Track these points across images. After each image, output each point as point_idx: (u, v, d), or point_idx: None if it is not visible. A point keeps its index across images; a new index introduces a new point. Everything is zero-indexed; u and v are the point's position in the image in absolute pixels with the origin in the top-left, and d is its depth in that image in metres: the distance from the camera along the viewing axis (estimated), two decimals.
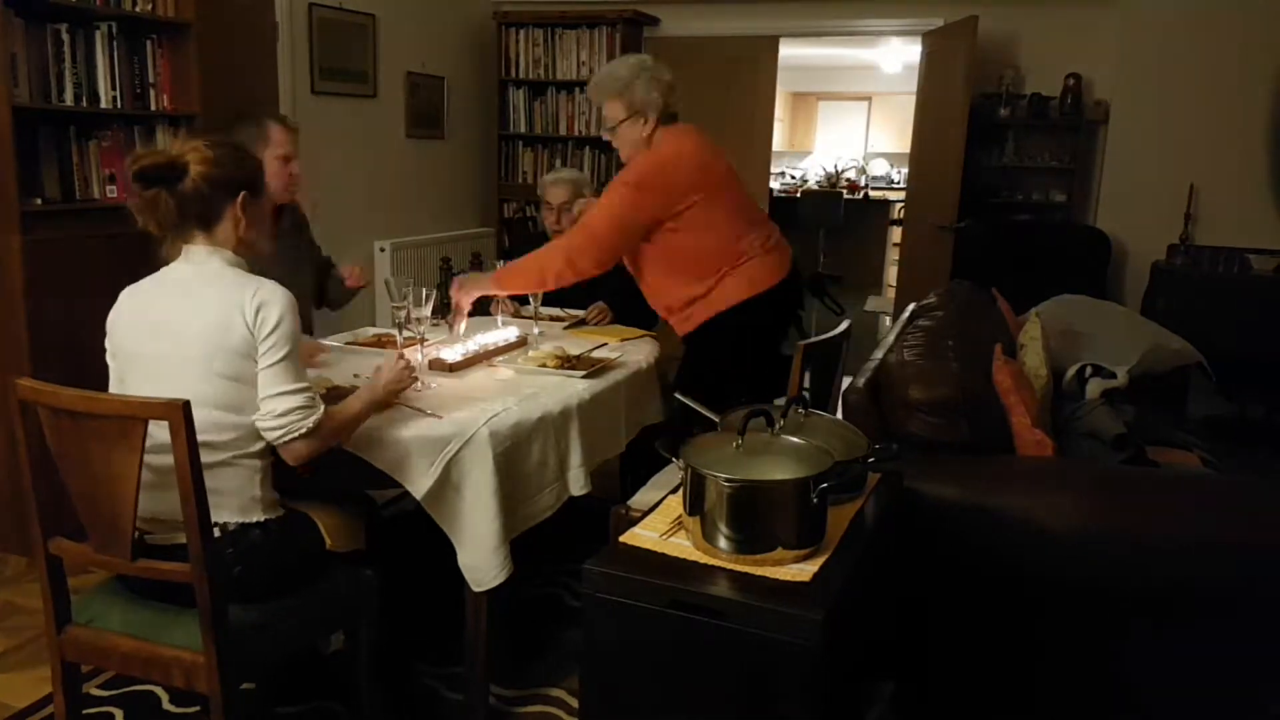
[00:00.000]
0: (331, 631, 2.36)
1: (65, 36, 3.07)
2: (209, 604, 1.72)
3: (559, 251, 2.86)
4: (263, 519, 1.93)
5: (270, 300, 1.86)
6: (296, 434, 1.87)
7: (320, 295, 3.24)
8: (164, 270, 1.94)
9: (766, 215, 3.11)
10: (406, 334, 2.60)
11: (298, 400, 1.87)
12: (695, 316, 2.95)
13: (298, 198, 3.02)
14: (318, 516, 2.05)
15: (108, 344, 1.95)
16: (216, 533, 1.82)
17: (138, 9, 3.28)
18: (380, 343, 2.92)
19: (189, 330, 1.84)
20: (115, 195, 3.27)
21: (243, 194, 1.93)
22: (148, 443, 1.69)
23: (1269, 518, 1.99)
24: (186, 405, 1.64)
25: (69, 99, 3.11)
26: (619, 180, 2.86)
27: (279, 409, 1.85)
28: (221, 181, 1.90)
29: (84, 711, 2.23)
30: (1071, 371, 3.08)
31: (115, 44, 3.21)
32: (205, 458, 1.76)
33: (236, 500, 1.89)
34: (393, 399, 2.18)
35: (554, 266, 2.85)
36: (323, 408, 1.93)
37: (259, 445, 1.91)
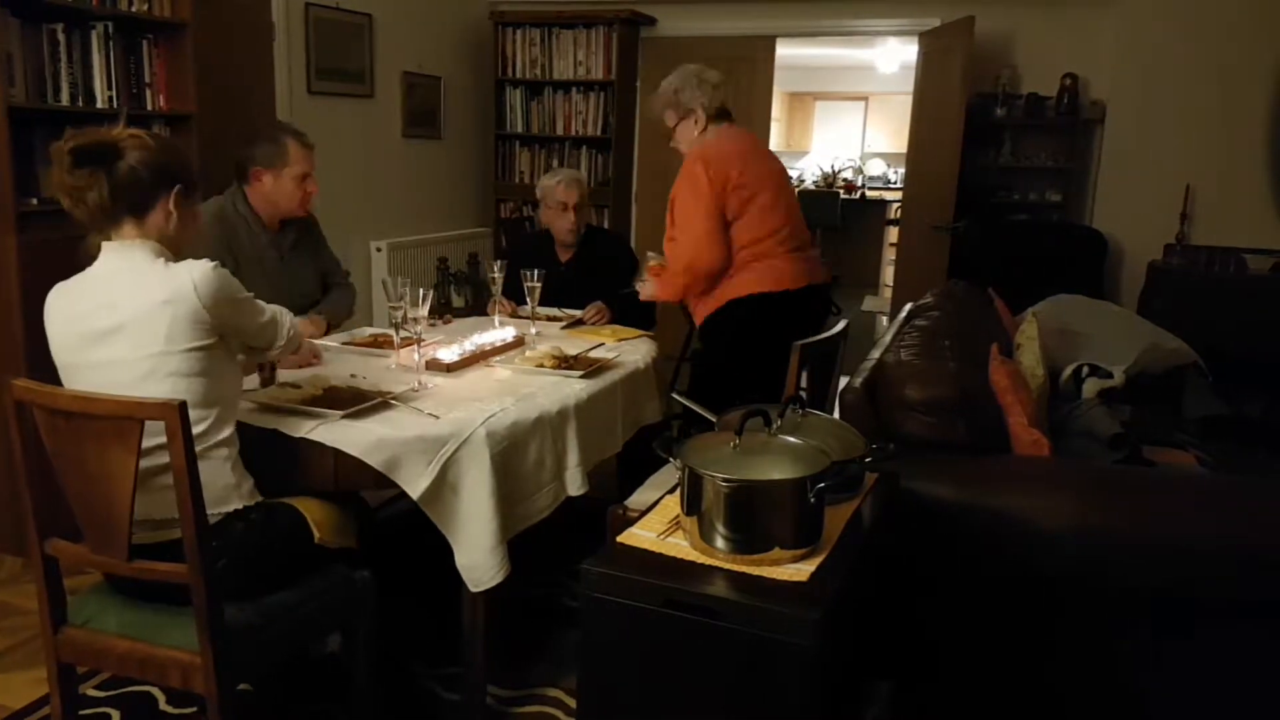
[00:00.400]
0: (329, 632, 2.36)
1: (61, 36, 3.06)
2: (205, 604, 1.72)
3: (681, 271, 3.03)
4: (241, 506, 1.92)
5: (203, 278, 1.82)
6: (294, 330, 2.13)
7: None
8: (90, 270, 1.88)
9: (805, 225, 3.19)
10: (403, 334, 2.59)
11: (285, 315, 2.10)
12: (709, 303, 3.06)
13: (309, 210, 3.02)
14: (308, 509, 2.04)
15: (51, 346, 1.90)
16: None
17: (134, 9, 3.28)
18: (377, 342, 2.92)
19: (128, 335, 1.80)
20: None
21: (177, 188, 1.90)
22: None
23: (1266, 517, 1.99)
24: (183, 405, 1.63)
25: (65, 99, 3.10)
26: (678, 186, 3.03)
27: (285, 321, 2.09)
28: (158, 169, 1.86)
29: (81, 712, 2.23)
30: (1068, 371, 3.09)
31: (111, 44, 3.21)
32: None
33: (210, 492, 1.86)
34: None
35: (683, 284, 3.06)
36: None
37: (225, 433, 1.91)
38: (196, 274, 1.82)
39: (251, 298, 1.97)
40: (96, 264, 1.88)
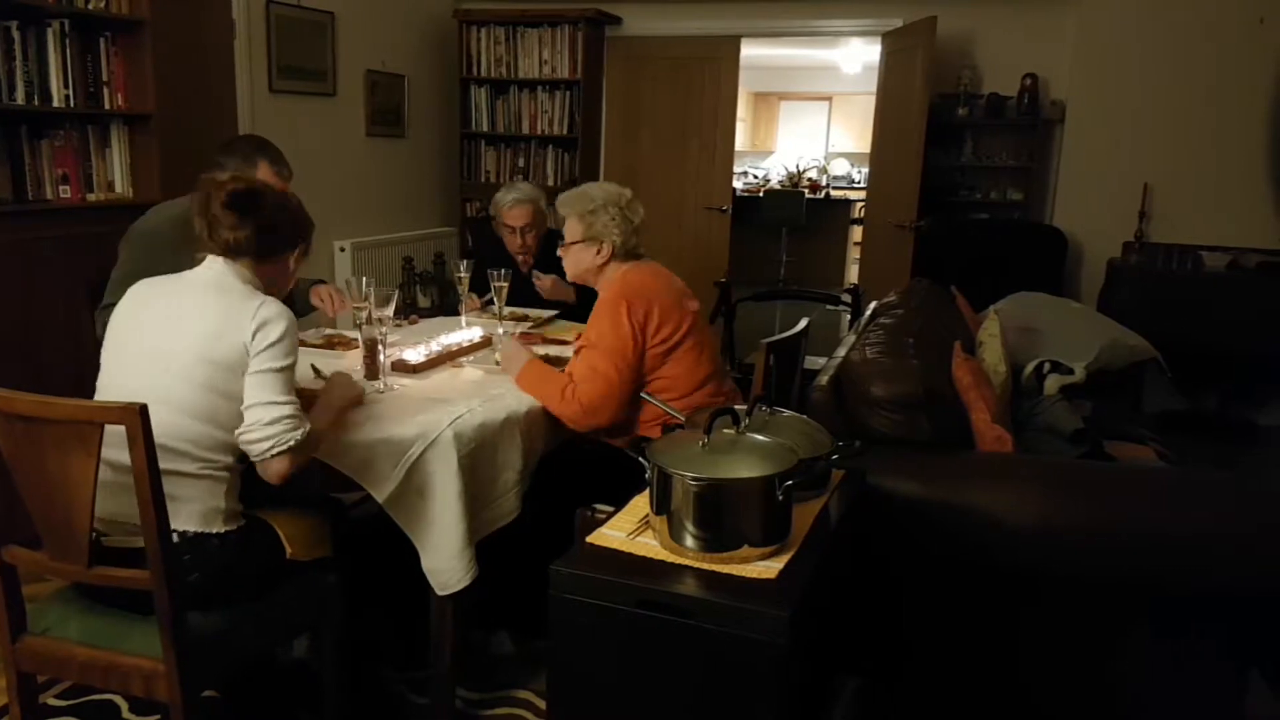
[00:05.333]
0: (294, 637, 2.34)
1: (15, 34, 3.01)
2: (168, 611, 1.70)
3: (571, 400, 2.48)
4: (222, 530, 1.89)
5: (274, 317, 1.86)
6: (284, 447, 1.82)
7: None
8: (184, 273, 1.95)
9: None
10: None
11: (287, 410, 1.84)
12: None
13: None
14: (283, 524, 2.02)
15: (111, 320, 1.94)
16: (174, 538, 1.79)
17: (90, 6, 3.22)
18: (330, 344, 2.86)
19: (183, 332, 1.83)
20: (69, 196, 3.22)
21: (301, 246, 2.04)
22: (108, 439, 1.65)
23: (1222, 510, 2.03)
24: (144, 409, 1.61)
25: (20, 98, 3.05)
26: (597, 316, 2.61)
27: (266, 418, 1.81)
28: (294, 228, 2.01)
29: None
30: (1030, 368, 3.13)
31: (67, 42, 3.16)
32: (175, 465, 1.75)
33: (198, 508, 1.85)
34: (351, 407, 2.18)
35: (566, 410, 2.48)
36: (309, 424, 1.89)
37: (231, 459, 1.88)
38: (266, 308, 1.86)
39: (285, 373, 1.86)
40: (193, 271, 1.94)
